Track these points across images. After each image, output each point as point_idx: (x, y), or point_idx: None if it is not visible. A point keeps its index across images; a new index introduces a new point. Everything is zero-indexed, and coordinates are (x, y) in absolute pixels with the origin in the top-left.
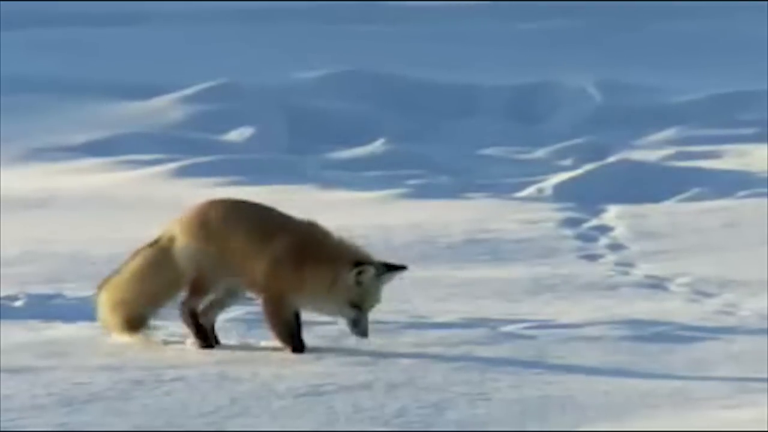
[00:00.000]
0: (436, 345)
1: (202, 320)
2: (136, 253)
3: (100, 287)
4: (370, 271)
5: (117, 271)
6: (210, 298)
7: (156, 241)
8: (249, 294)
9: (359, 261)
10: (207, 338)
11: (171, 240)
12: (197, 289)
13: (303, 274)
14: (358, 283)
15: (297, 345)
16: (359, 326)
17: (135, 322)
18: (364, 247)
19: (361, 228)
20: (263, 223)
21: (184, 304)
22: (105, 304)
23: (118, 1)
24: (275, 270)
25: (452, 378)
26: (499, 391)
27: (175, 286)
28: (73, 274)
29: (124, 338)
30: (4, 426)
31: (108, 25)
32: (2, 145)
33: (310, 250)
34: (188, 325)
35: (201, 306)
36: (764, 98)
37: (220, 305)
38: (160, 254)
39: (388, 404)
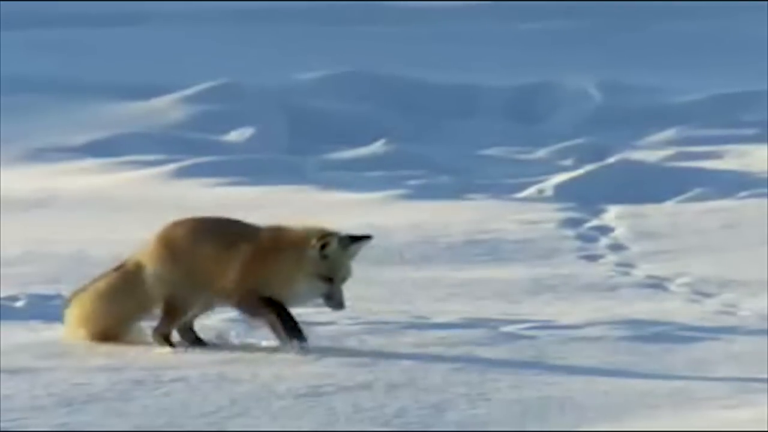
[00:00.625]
0: (436, 345)
1: (182, 333)
2: (102, 275)
3: (69, 300)
4: (334, 242)
5: (84, 288)
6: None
7: (121, 266)
8: (222, 304)
9: (322, 235)
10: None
11: (137, 266)
12: (171, 312)
13: (271, 265)
14: (324, 257)
15: (297, 329)
16: (333, 298)
17: (101, 337)
18: (328, 227)
19: (361, 228)
20: (227, 233)
21: (157, 329)
22: (72, 319)
23: (118, 1)
24: (245, 271)
25: (452, 378)
26: (499, 392)
27: (140, 310)
28: (74, 274)
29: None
30: (5, 426)
31: (108, 25)
32: (3, 146)
33: (274, 242)
34: (160, 346)
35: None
36: (765, 99)
37: (195, 316)
38: (123, 280)
39: (388, 404)
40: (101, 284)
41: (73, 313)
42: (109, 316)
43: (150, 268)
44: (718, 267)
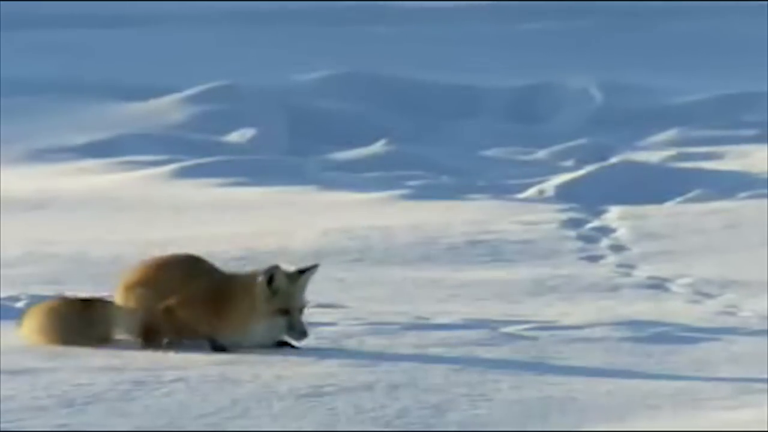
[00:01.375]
0: (437, 346)
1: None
2: (64, 297)
3: (24, 315)
4: (280, 273)
5: (36, 305)
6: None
7: (88, 299)
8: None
9: (266, 270)
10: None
11: (103, 306)
12: (150, 337)
13: (228, 314)
14: (274, 291)
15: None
16: (295, 328)
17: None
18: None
19: (361, 229)
20: (194, 266)
21: (146, 347)
22: (25, 330)
23: (118, 2)
24: (191, 306)
25: (453, 379)
26: (500, 392)
27: (85, 341)
28: (74, 275)
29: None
30: (5, 427)
31: (109, 26)
32: (3, 147)
33: (228, 288)
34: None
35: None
36: (765, 99)
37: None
38: (79, 310)
39: (389, 405)
40: (58, 304)
41: (27, 324)
42: (55, 337)
43: (127, 302)
44: (719, 268)
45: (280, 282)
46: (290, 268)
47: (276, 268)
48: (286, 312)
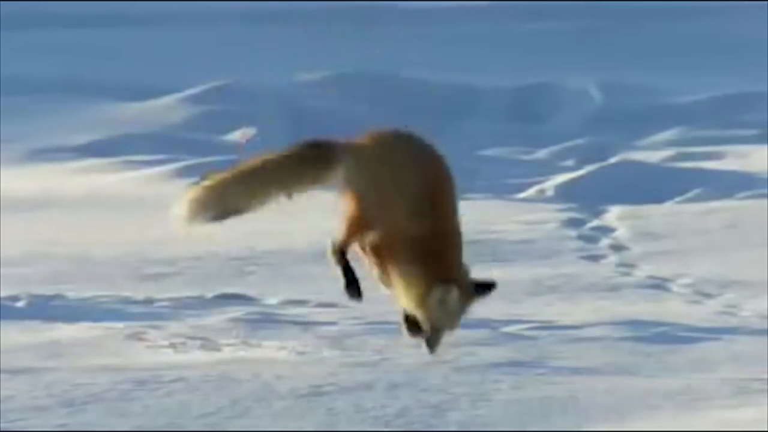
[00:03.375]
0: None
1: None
2: None
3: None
4: (453, 294)
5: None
6: None
7: None
8: None
9: (444, 287)
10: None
11: None
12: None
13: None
14: (442, 304)
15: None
16: (429, 344)
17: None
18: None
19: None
20: None
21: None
22: None
23: (118, 2)
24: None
25: (453, 378)
26: (501, 392)
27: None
28: (75, 274)
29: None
30: (4, 426)
31: (109, 26)
32: (3, 146)
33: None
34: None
35: None
36: (765, 99)
37: None
38: None
39: (389, 405)
40: None
41: None
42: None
43: None
44: (719, 267)
45: (449, 299)
46: (468, 283)
47: (451, 288)
48: (435, 328)
